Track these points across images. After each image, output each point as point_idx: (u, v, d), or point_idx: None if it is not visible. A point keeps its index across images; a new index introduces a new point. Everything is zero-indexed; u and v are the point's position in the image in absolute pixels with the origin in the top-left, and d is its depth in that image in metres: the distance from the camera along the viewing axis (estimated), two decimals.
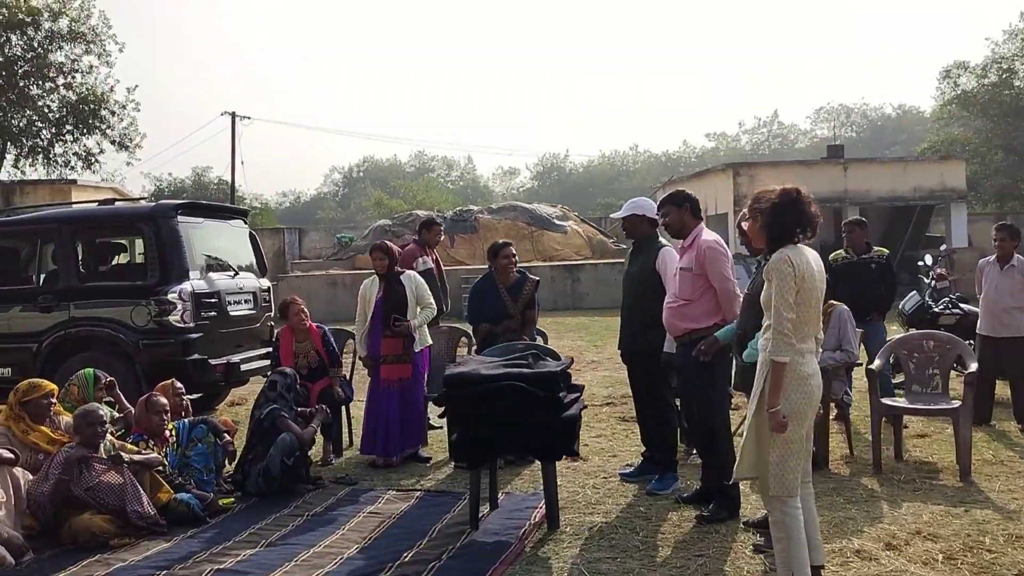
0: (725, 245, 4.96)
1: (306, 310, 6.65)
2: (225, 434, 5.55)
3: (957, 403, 5.71)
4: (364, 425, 6.42)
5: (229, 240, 8.80)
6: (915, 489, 5.29)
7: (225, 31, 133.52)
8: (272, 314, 8.79)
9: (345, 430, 6.93)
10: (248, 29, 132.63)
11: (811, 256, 3.65)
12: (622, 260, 22.23)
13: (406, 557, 4.26)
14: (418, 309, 6.41)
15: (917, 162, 24.35)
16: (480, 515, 4.74)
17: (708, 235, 4.98)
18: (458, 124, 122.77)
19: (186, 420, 5.52)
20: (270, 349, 9.75)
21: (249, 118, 33.46)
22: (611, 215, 5.57)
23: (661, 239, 5.48)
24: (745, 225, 4.00)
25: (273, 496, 5.44)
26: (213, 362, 7.77)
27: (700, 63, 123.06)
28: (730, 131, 78.15)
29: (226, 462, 5.65)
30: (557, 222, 23.28)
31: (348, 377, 7.14)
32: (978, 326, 7.08)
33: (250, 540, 4.64)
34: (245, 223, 9.25)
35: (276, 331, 6.76)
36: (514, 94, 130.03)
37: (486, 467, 4.85)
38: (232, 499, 5.35)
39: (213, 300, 8.00)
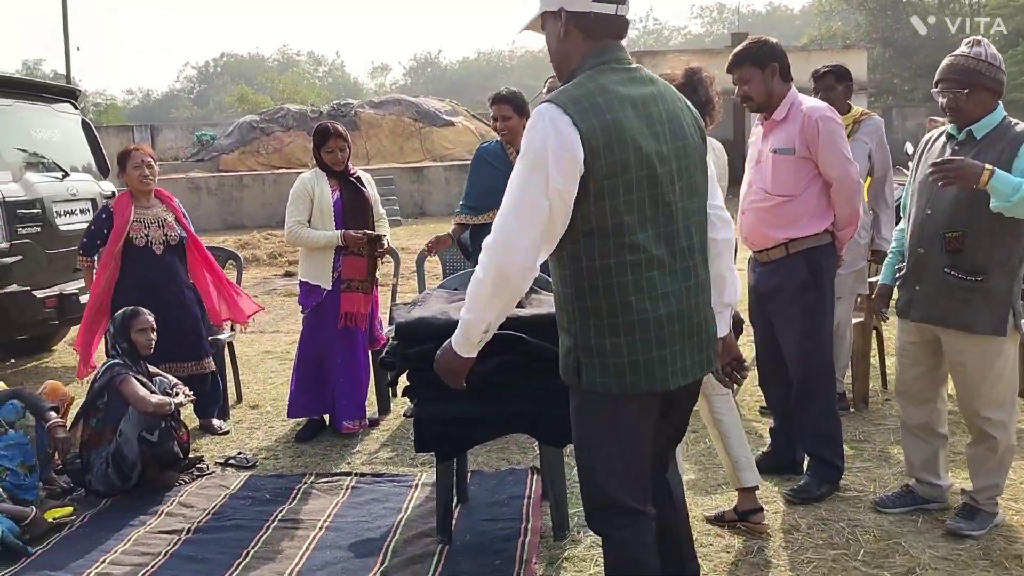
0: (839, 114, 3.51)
1: (155, 164, 4.61)
2: (52, 411, 3.74)
3: None
4: (300, 378, 4.51)
5: (54, 130, 6.63)
6: None
7: None
8: None
9: (231, 378, 5.20)
10: None
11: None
12: None
13: None
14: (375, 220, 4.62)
15: (821, 51, 23.66)
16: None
17: (813, 101, 3.48)
18: (324, 21, 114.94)
19: None
20: None
21: None
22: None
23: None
24: None
25: (132, 495, 3.75)
26: (40, 294, 5.81)
27: None
28: None
29: (55, 454, 3.84)
30: (446, 117, 21.28)
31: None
32: None
33: None
34: (75, 107, 7.04)
35: (109, 203, 4.59)
36: None
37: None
38: (70, 508, 3.60)
39: (35, 211, 5.96)
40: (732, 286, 2.29)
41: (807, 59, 22.09)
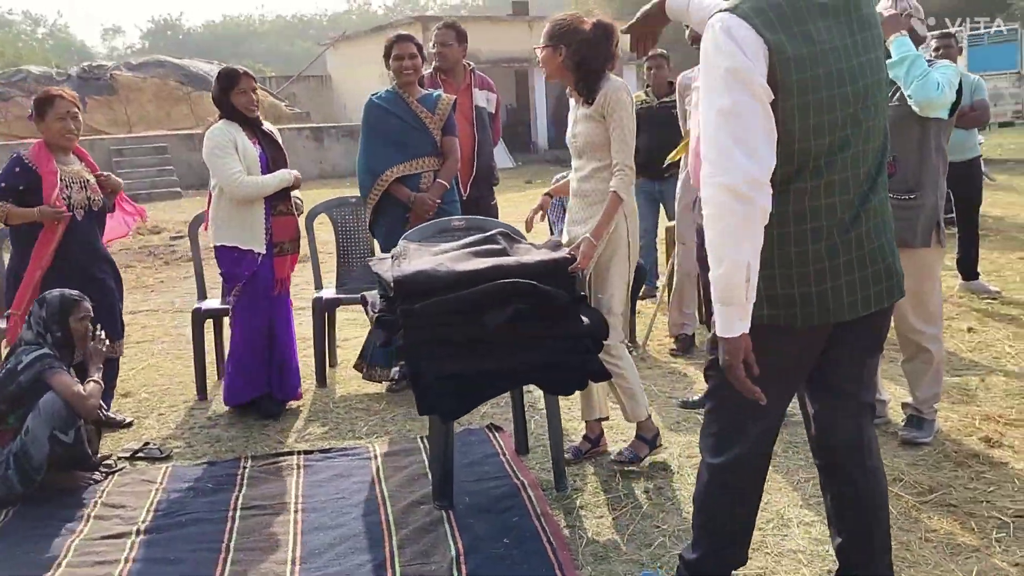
0: None
1: (80, 115, 3.88)
2: None
3: None
4: (241, 360, 4.00)
5: None
6: None
7: None
8: None
9: None
10: None
11: None
12: (304, 126, 19.65)
13: None
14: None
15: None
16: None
17: None
18: None
19: None
20: None
21: None
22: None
23: None
24: (541, 54, 3.17)
25: (36, 501, 3.18)
26: None
27: None
28: None
29: None
30: None
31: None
32: None
33: None
34: None
35: (19, 153, 3.79)
36: None
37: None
38: None
39: None
40: None
41: None
